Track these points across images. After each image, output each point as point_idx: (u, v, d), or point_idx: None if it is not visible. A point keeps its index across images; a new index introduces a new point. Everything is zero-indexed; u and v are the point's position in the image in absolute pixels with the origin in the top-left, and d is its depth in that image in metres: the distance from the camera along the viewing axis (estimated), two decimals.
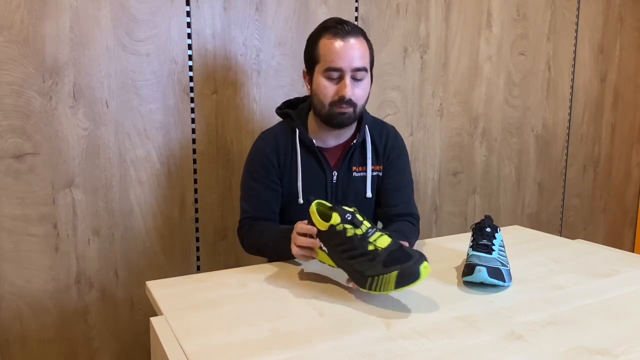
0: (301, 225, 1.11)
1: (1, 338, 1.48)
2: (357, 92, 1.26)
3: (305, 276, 1.14)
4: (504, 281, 1.06)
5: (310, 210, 1.07)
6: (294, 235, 1.13)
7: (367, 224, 1.01)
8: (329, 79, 1.26)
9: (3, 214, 1.44)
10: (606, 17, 2.54)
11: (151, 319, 0.94)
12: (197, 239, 1.71)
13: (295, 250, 1.11)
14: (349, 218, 1.00)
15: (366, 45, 1.28)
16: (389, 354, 0.80)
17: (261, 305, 0.98)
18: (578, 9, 2.43)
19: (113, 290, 1.60)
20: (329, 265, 1.07)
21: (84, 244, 1.55)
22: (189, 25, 1.61)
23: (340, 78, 1.25)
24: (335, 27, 1.24)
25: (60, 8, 1.44)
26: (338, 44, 1.23)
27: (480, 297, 1.02)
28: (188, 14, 1.61)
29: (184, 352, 0.81)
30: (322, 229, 1.04)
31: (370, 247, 0.97)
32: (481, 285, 1.09)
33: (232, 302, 1.00)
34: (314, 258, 1.11)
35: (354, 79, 1.25)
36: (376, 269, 0.95)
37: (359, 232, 0.99)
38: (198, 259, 1.72)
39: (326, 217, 1.06)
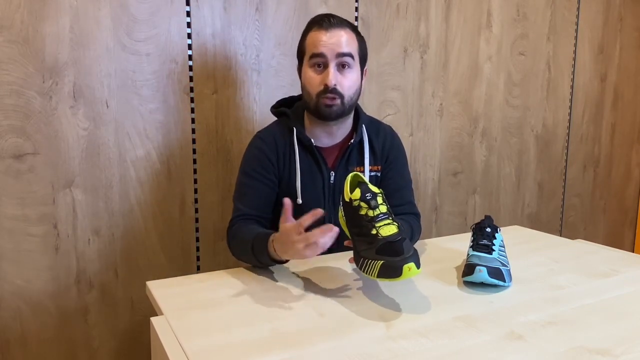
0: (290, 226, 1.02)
1: (1, 338, 1.48)
2: (343, 81, 1.25)
3: (305, 276, 1.14)
4: (504, 281, 1.06)
5: (346, 178, 1.10)
6: (291, 237, 1.02)
7: (382, 209, 1.01)
8: (314, 68, 1.26)
9: (3, 214, 1.44)
10: (606, 17, 2.54)
11: (151, 319, 0.94)
12: (197, 239, 1.71)
13: (298, 249, 1.01)
14: (368, 197, 1.02)
15: (354, 36, 1.28)
16: (389, 354, 0.80)
17: (261, 305, 0.98)
18: (578, 9, 2.43)
19: (113, 290, 1.60)
20: (345, 232, 1.10)
21: (84, 244, 1.55)
22: (189, 25, 1.62)
23: (325, 67, 1.25)
24: (321, 20, 1.26)
25: (60, 8, 1.44)
26: (322, 32, 1.25)
27: (480, 297, 1.02)
28: (188, 14, 1.61)
29: (185, 352, 0.81)
30: (346, 199, 1.06)
31: (373, 231, 0.98)
32: (481, 285, 1.09)
33: (232, 302, 1.00)
34: (318, 251, 1.02)
35: (340, 67, 1.25)
36: (369, 253, 0.97)
37: (370, 213, 1.00)
38: (198, 259, 1.72)
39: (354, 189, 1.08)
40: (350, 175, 1.11)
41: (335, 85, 1.24)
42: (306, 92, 1.30)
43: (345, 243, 1.11)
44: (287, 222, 1.05)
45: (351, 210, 1.04)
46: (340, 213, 1.11)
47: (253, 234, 1.18)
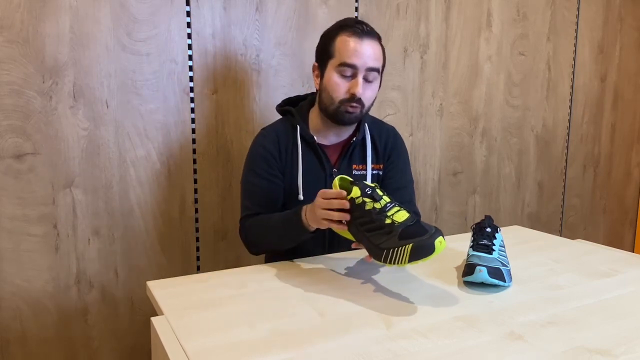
0: (326, 191, 1.08)
1: (1, 338, 1.48)
2: (367, 92, 1.28)
3: (305, 276, 1.14)
4: (504, 281, 1.06)
5: (333, 183, 1.10)
6: (318, 201, 1.09)
7: (386, 199, 1.02)
8: (342, 75, 1.26)
9: (3, 214, 1.44)
10: (606, 17, 2.54)
11: (152, 318, 0.94)
12: (197, 239, 1.71)
13: (321, 214, 1.08)
14: (368, 192, 1.02)
15: (380, 48, 1.29)
16: (389, 354, 0.80)
17: (261, 305, 0.98)
18: (578, 9, 2.43)
19: (113, 290, 1.60)
20: (347, 238, 1.09)
21: (84, 244, 1.55)
22: (189, 25, 1.61)
23: (353, 76, 1.26)
24: (355, 26, 1.26)
25: (60, 8, 1.44)
26: (355, 41, 1.24)
27: (481, 297, 1.02)
28: (188, 14, 1.61)
29: (185, 351, 0.81)
30: None
31: (388, 221, 0.98)
32: (481, 285, 1.09)
33: (232, 302, 1.00)
34: (343, 224, 1.07)
35: (366, 79, 1.27)
36: (392, 242, 0.96)
37: (377, 205, 1.00)
38: (198, 259, 1.72)
39: (348, 192, 1.07)
40: (337, 179, 1.11)
41: (360, 95, 1.26)
42: (327, 96, 1.29)
43: (353, 245, 1.10)
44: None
45: (356, 208, 1.03)
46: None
47: (281, 214, 1.25)
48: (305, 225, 1.16)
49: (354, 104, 1.26)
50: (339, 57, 1.25)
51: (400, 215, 0.99)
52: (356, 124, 1.38)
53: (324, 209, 1.07)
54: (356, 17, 1.88)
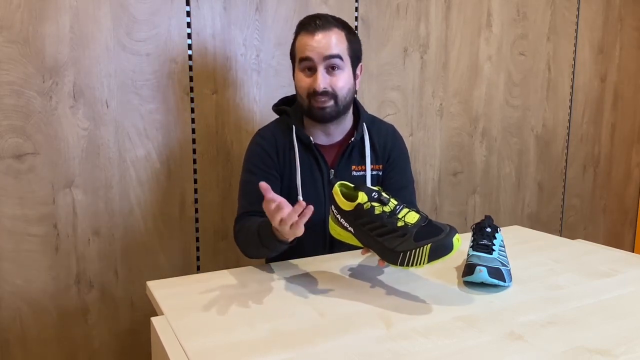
0: (265, 204, 1.02)
1: (1, 338, 1.48)
2: (335, 82, 1.25)
3: (305, 276, 1.14)
4: (504, 281, 1.06)
5: (333, 191, 1.06)
6: (271, 219, 1.03)
7: (394, 201, 1.01)
8: (304, 71, 1.27)
9: (3, 214, 1.44)
10: (606, 17, 2.54)
11: (152, 318, 0.94)
12: (197, 239, 1.71)
13: (282, 229, 1.02)
14: (375, 196, 1.00)
15: (342, 35, 1.27)
16: (389, 354, 0.80)
17: (261, 305, 0.98)
18: (578, 9, 2.43)
19: (113, 290, 1.60)
20: (355, 245, 1.07)
21: (84, 244, 1.55)
22: (189, 25, 1.61)
23: (314, 70, 1.25)
24: (309, 23, 1.27)
25: (60, 8, 1.44)
26: (308, 36, 1.25)
27: (481, 297, 1.02)
28: (188, 14, 1.61)
29: (185, 351, 0.81)
30: (348, 209, 1.03)
31: (400, 223, 0.97)
32: (481, 285, 1.08)
33: (232, 302, 1.00)
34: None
35: (330, 69, 1.25)
36: (408, 244, 0.95)
37: (387, 209, 0.99)
38: (198, 259, 1.72)
39: (350, 198, 1.06)
40: (337, 186, 1.07)
41: (325, 88, 1.24)
42: (299, 95, 1.31)
43: (362, 252, 1.09)
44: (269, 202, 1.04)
45: (364, 214, 1.00)
46: (332, 223, 1.09)
47: (257, 222, 1.18)
48: (277, 236, 1.09)
49: (321, 98, 1.25)
50: (299, 55, 1.28)
51: (412, 217, 0.98)
52: (353, 123, 1.38)
53: (279, 224, 1.01)
54: (355, 17, 1.88)
